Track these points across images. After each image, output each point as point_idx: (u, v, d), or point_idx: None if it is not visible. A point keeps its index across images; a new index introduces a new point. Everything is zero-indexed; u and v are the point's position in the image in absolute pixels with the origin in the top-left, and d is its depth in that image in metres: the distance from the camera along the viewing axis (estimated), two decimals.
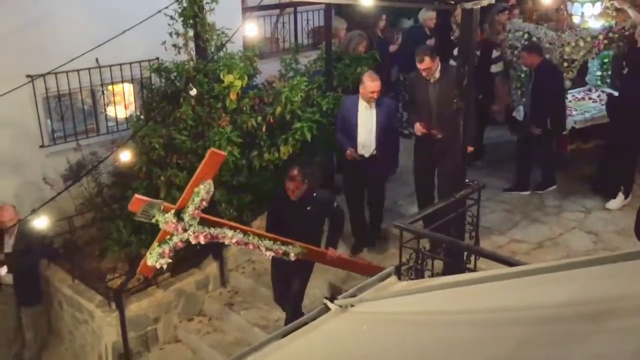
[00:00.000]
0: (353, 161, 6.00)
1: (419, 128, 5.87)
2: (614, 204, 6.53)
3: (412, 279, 4.01)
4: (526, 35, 7.07)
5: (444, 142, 5.66)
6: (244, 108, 6.43)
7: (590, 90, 7.66)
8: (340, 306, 3.38)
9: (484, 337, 2.17)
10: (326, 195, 5.48)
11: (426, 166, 6.05)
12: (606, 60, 7.57)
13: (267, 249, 4.62)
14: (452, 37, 7.42)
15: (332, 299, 3.52)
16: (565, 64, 6.77)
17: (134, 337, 6.19)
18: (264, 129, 6.38)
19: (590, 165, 7.20)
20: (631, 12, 6.94)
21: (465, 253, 4.45)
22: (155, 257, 4.33)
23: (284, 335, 3.54)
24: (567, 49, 6.75)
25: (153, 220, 4.25)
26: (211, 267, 6.68)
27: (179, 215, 4.25)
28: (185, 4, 6.24)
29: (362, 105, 5.90)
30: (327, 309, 3.44)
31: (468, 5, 4.00)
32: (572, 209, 6.69)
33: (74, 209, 7.00)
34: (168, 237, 4.35)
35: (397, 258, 4.45)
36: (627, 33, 6.98)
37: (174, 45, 6.35)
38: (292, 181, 5.10)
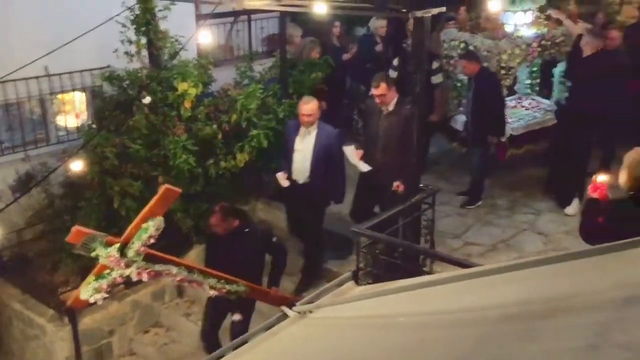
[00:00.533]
0: (290, 185, 5.86)
1: (351, 150, 5.85)
2: (571, 209, 6.65)
3: (369, 284, 4.04)
4: (462, 45, 7.17)
5: (385, 177, 5.60)
6: (199, 116, 6.39)
7: (520, 98, 7.83)
8: (299, 313, 3.38)
9: (441, 338, 2.21)
10: (263, 231, 5.26)
11: (365, 195, 5.96)
12: (535, 69, 7.76)
13: (212, 287, 4.39)
14: (404, 45, 7.49)
15: (290, 305, 3.53)
16: (503, 72, 6.93)
17: (88, 351, 6.03)
18: (219, 137, 6.36)
19: (537, 168, 7.40)
20: (567, 23, 7.20)
21: (421, 256, 4.52)
22: (90, 292, 3.95)
23: (242, 343, 3.52)
24: (504, 57, 6.89)
25: (93, 254, 3.87)
26: None
27: (122, 250, 3.90)
28: (137, 12, 6.17)
29: (302, 129, 5.76)
30: (286, 316, 3.44)
31: (419, 14, 4.08)
32: (523, 212, 6.87)
33: (24, 221, 6.79)
34: (107, 271, 3.97)
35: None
36: (557, 40, 7.23)
37: (126, 53, 6.26)
38: (212, 215, 4.95)
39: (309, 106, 5.61)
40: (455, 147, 7.56)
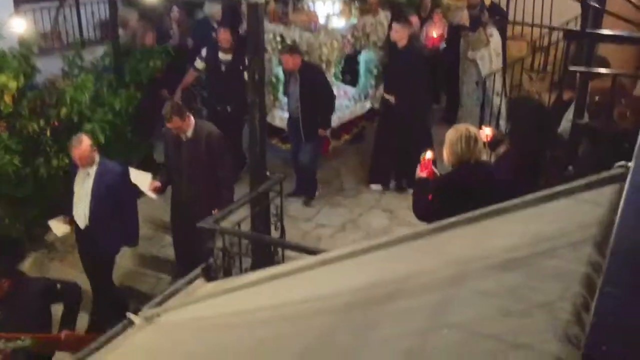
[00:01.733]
0: (76, 231, 5.29)
1: (151, 185, 5.40)
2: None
3: (221, 279, 3.94)
4: (279, 38, 6.83)
5: (197, 210, 5.00)
6: (23, 112, 5.80)
7: None
8: (146, 318, 3.20)
9: (286, 332, 2.19)
10: (42, 284, 4.59)
11: (181, 232, 5.50)
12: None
13: None
14: (240, 31, 7.28)
15: (136, 311, 3.33)
16: (325, 65, 6.79)
17: None
18: (48, 133, 5.83)
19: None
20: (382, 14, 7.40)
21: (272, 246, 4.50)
22: None
23: (88, 354, 3.27)
24: (325, 50, 6.74)
25: None
26: None
27: None
28: None
29: (80, 170, 5.15)
30: (132, 323, 3.24)
31: (252, 0, 4.00)
32: (369, 191, 7.09)
33: None
34: None
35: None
36: (368, 31, 7.27)
37: None
38: None
39: (80, 149, 4.97)
40: (276, 144, 7.19)
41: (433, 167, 4.04)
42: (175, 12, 8.18)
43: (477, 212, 2.05)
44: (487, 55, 7.50)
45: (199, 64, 7.10)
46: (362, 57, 7.64)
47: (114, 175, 5.15)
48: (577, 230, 1.74)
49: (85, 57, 6.85)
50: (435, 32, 7.95)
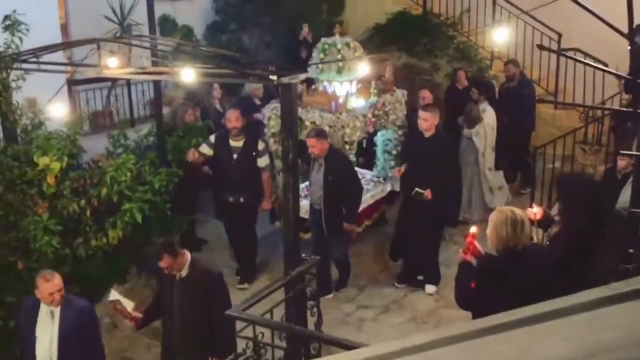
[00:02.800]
0: None
1: (130, 313, 4.85)
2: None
3: None
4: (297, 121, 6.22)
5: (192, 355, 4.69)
6: (65, 192, 5.85)
7: None
8: None
9: None
10: None
11: None
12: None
13: None
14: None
15: None
16: (347, 146, 6.50)
17: None
18: (88, 214, 5.82)
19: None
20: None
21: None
22: None
23: None
24: (348, 131, 6.47)
25: None
26: None
27: None
28: None
29: (43, 309, 4.45)
30: None
31: (285, 80, 3.94)
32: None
33: None
34: None
35: None
36: (387, 109, 7.09)
37: None
38: None
39: (53, 284, 4.36)
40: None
41: (477, 245, 3.77)
42: (216, 90, 8.33)
43: (529, 312, 1.81)
44: (482, 131, 7.37)
45: (205, 149, 6.70)
46: (380, 137, 7.42)
47: (80, 311, 4.57)
48: (637, 344, 1.49)
49: (131, 136, 6.96)
50: None
